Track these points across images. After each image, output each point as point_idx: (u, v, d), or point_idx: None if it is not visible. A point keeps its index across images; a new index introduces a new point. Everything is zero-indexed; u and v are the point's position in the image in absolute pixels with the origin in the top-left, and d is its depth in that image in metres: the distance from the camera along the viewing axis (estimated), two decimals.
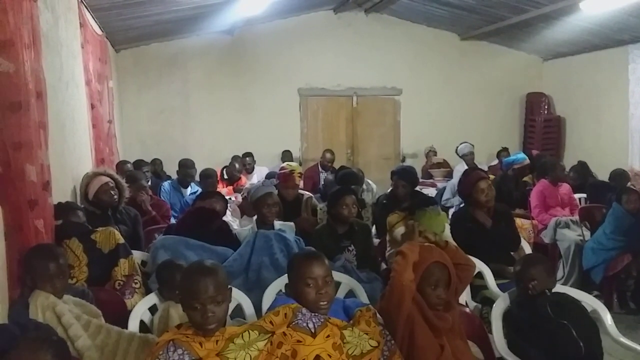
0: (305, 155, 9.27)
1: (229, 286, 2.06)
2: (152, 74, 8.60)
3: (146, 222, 4.43)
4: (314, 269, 2.10)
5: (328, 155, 7.48)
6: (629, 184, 5.98)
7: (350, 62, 9.21)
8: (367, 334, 2.09)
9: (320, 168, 7.42)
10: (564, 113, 9.76)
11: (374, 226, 4.73)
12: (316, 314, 2.03)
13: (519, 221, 5.56)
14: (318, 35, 9.09)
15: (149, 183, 5.93)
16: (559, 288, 2.61)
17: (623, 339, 2.50)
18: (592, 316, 2.61)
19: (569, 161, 8.90)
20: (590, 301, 2.68)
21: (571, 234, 5.32)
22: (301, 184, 5.92)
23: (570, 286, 5.13)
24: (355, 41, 9.20)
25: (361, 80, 9.34)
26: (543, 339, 2.36)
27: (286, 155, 8.56)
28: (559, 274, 5.32)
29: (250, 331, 1.96)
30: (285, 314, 2.02)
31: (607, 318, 2.59)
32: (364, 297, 2.95)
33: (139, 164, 6.48)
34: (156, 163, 7.50)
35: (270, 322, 2.00)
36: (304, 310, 2.03)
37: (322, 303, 2.07)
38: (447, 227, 3.70)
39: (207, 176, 5.94)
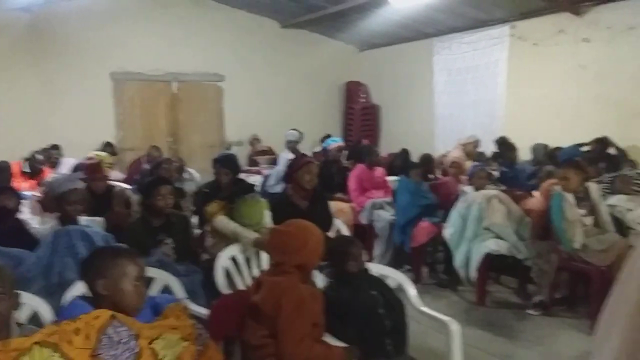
0: (123, 144, 8.66)
1: (17, 291, 1.79)
2: None
3: None
4: (130, 267, 1.91)
5: (154, 152, 6.99)
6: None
7: (169, 46, 8.80)
8: (176, 328, 1.96)
9: (144, 163, 6.93)
10: (380, 101, 10.41)
11: (198, 217, 4.56)
12: (126, 341, 1.77)
13: (340, 204, 5.81)
14: (132, 17, 8.53)
15: None
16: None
17: (424, 309, 2.68)
18: (399, 289, 2.75)
19: (384, 147, 9.53)
20: (395, 275, 2.82)
21: (385, 214, 5.66)
22: (116, 175, 5.51)
23: (387, 262, 5.54)
24: (173, 24, 8.82)
25: (181, 65, 8.98)
26: (356, 317, 2.41)
27: (107, 148, 7.87)
28: (376, 251, 5.65)
29: (42, 348, 1.60)
30: (87, 334, 1.69)
31: (410, 290, 2.74)
32: (180, 292, 2.85)
33: None
34: None
35: (68, 342, 1.65)
36: (110, 330, 1.72)
37: (137, 303, 1.91)
38: (267, 214, 3.68)
39: None
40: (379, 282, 2.61)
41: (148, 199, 3.56)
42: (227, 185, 4.50)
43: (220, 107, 9.47)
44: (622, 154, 5.97)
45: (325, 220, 3.91)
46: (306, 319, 2.19)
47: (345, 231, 4.20)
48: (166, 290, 2.89)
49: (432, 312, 2.63)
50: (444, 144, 8.76)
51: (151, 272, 2.95)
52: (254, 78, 9.55)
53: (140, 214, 3.67)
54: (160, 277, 2.92)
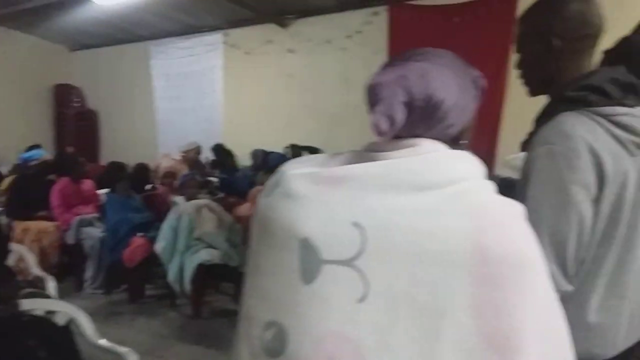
0: None
1: None
2: None
3: None
4: None
5: None
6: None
7: None
8: None
9: None
10: (97, 106, 9.63)
11: None
12: None
13: (42, 224, 5.18)
14: None
15: None
16: (26, 302, 2.28)
17: (101, 342, 2.38)
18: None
19: (106, 155, 8.87)
20: (66, 309, 2.46)
21: (95, 231, 5.19)
22: None
23: (100, 284, 5.07)
24: None
25: None
26: None
27: None
28: (88, 273, 5.14)
29: None
30: None
31: (84, 323, 2.42)
32: None
33: None
34: None
35: None
36: None
37: None
38: None
39: None
40: (39, 324, 2.23)
41: None
42: None
43: None
44: None
45: None
46: None
47: (30, 258, 3.61)
48: None
49: (109, 345, 2.36)
50: (168, 151, 8.49)
51: None
52: None
53: None
54: None
